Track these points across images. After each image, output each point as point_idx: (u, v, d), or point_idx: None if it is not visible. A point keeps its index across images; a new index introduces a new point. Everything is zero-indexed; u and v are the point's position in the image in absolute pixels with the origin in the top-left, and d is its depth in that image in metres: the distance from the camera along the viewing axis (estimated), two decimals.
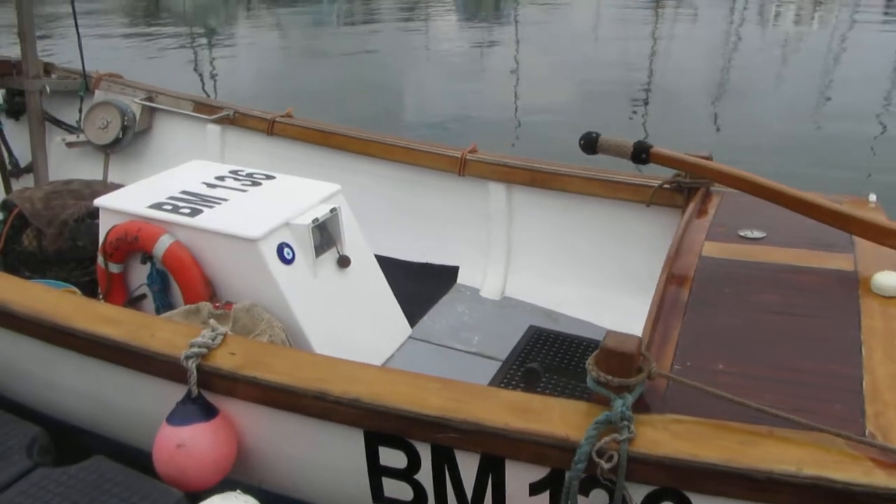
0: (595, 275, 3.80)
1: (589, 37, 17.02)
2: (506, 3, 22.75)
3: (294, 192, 3.33)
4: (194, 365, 2.13)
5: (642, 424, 1.81)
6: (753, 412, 1.78)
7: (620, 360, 1.81)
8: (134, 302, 3.25)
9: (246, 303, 2.95)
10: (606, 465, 1.75)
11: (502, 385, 3.28)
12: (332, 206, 3.23)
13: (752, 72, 13.05)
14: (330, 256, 3.25)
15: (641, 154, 2.64)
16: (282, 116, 4.51)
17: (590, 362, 1.87)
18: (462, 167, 3.93)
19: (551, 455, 1.84)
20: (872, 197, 2.91)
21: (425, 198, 4.16)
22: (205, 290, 3.03)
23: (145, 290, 3.21)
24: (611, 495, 1.81)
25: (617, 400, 1.80)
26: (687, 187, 3.29)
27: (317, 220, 3.12)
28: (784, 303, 2.21)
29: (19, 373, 2.69)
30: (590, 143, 2.70)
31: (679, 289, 2.31)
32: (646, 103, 10.99)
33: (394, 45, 15.95)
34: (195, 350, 2.14)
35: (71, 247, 3.56)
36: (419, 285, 4.04)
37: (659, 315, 2.19)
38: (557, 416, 1.87)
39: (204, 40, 16.91)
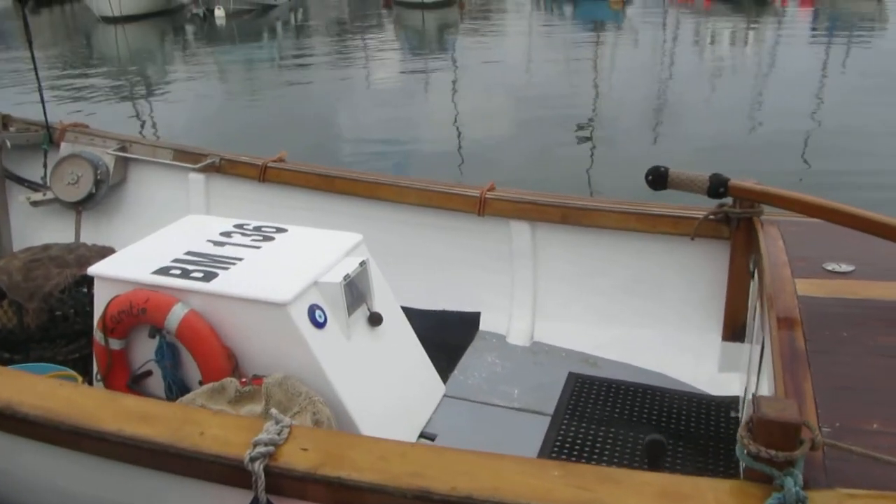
0: (634, 314, 3.57)
1: (533, 64, 17.18)
2: (448, 35, 22.85)
3: (314, 245, 3.00)
4: (262, 467, 1.78)
5: None
6: None
7: (783, 430, 1.56)
8: (138, 381, 2.85)
9: (277, 375, 2.60)
10: None
11: (557, 445, 3.00)
12: (360, 260, 2.92)
13: (692, 91, 13.36)
14: (360, 315, 2.93)
15: (719, 188, 2.43)
16: (274, 161, 4.17)
17: (743, 433, 1.61)
18: (482, 207, 3.67)
19: None
20: None
21: (441, 241, 3.87)
22: (227, 363, 2.67)
23: (151, 366, 2.83)
24: None
25: (786, 479, 1.54)
26: (736, 217, 3.10)
27: (347, 276, 2.80)
28: None
29: (34, 485, 2.28)
30: (659, 178, 2.47)
31: (791, 335, 2.08)
32: (590, 126, 11.05)
33: (338, 80, 15.78)
34: (261, 450, 1.79)
35: (56, 321, 3.15)
36: (440, 336, 3.73)
37: (785, 368, 1.95)
38: (713, 501, 1.59)
39: (142, 85, 16.37)
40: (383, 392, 2.93)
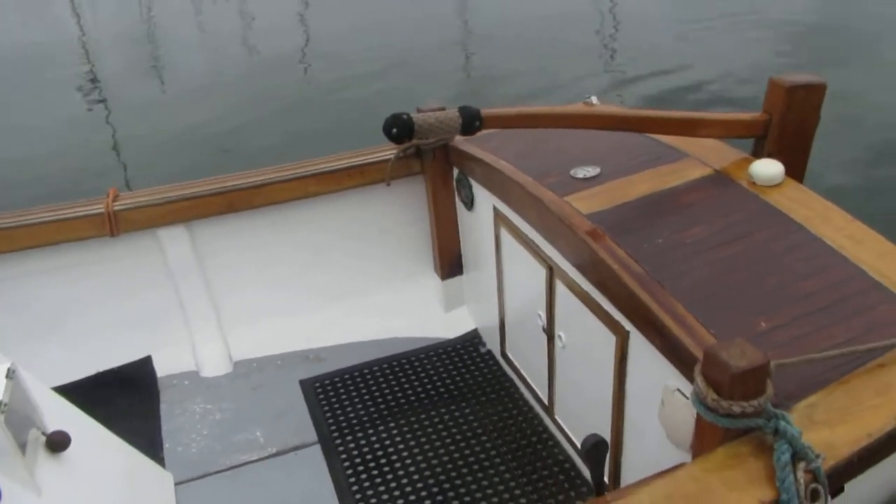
0: (342, 286, 3.10)
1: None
2: None
3: None
4: None
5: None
6: (844, 358, 1.54)
7: (756, 376, 1.36)
8: None
9: None
10: None
11: (350, 475, 2.48)
12: (3, 368, 1.86)
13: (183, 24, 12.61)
14: (36, 446, 1.90)
15: (474, 122, 2.06)
16: None
17: (711, 396, 1.37)
18: (113, 224, 2.70)
19: None
20: (594, 99, 2.86)
21: (65, 286, 2.80)
22: None
23: None
24: None
25: (780, 422, 1.36)
26: (431, 148, 2.81)
27: (3, 404, 1.76)
28: (716, 232, 1.98)
29: None
30: (405, 129, 1.99)
31: (620, 262, 1.90)
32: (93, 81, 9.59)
33: None
34: None
35: None
36: (111, 407, 2.77)
37: (651, 297, 1.76)
38: (722, 485, 1.34)
39: None
40: None
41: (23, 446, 1.81)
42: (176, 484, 2.46)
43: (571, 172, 2.34)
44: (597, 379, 2.14)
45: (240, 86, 8.47)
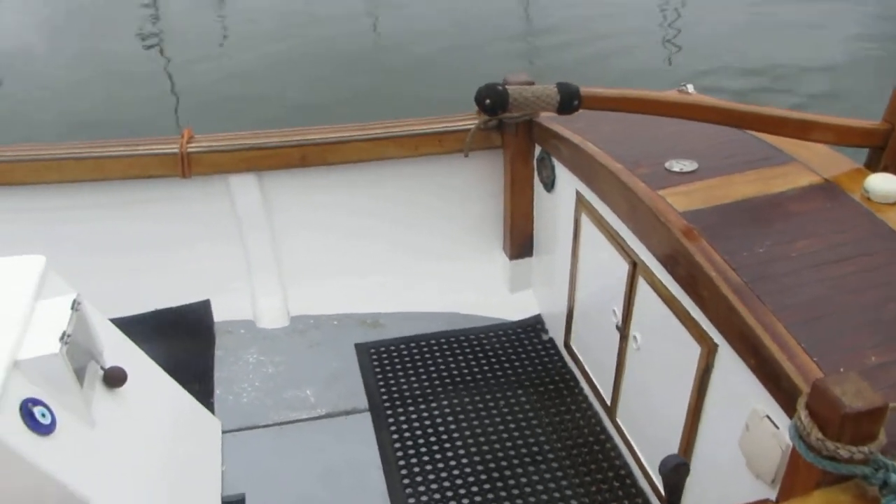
0: (406, 254, 3.02)
1: None
2: None
3: None
4: None
5: None
6: None
7: (871, 420, 1.23)
8: None
9: None
10: None
11: (398, 447, 2.42)
12: (68, 299, 1.84)
13: None
14: (93, 380, 1.88)
15: (573, 101, 1.93)
16: None
17: (815, 434, 1.24)
18: (185, 165, 2.67)
19: None
20: (690, 87, 2.69)
21: (135, 221, 2.80)
22: None
23: None
24: None
25: (891, 476, 1.22)
26: (514, 122, 2.69)
27: (66, 335, 1.73)
28: (826, 248, 1.82)
29: None
30: (499, 100, 1.88)
31: (717, 268, 1.76)
32: None
33: None
34: None
35: None
36: (166, 346, 2.76)
37: (748, 311, 1.63)
38: None
39: None
40: (156, 469, 1.99)
41: (81, 379, 1.79)
42: (223, 432, 2.44)
43: (666, 165, 2.19)
44: (672, 388, 2.01)
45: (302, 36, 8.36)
